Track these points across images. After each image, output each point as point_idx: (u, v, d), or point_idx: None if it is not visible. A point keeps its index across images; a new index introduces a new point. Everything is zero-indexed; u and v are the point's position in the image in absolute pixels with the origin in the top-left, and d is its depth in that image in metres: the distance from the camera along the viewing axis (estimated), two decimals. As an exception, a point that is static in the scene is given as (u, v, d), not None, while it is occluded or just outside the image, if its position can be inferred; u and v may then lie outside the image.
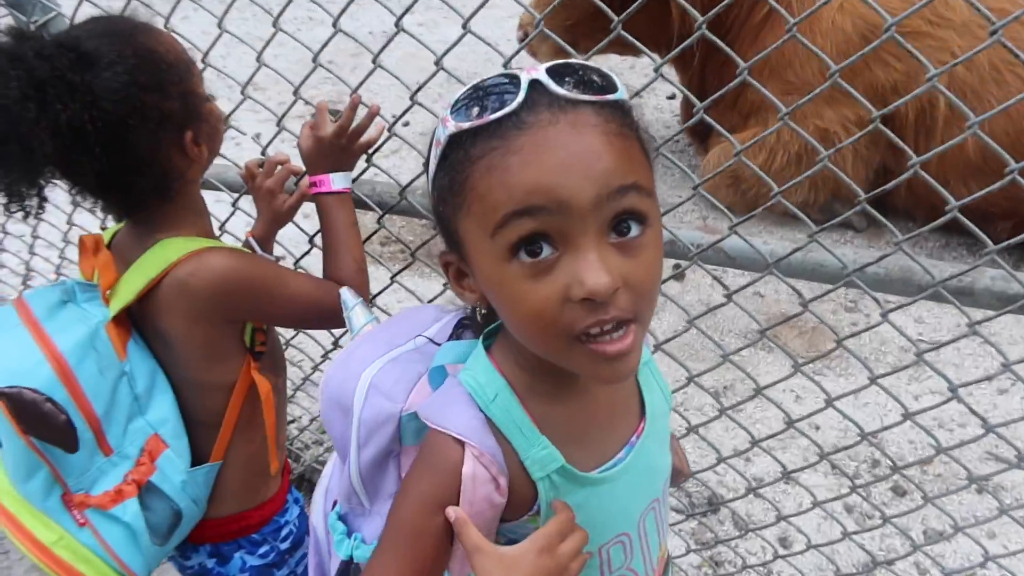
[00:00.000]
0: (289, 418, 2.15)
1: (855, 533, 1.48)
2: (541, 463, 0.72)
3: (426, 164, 0.71)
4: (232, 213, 1.63)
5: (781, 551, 1.68)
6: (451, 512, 0.70)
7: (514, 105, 0.61)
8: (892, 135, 1.22)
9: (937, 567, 1.67)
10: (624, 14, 1.20)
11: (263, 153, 1.45)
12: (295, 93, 1.44)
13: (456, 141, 0.64)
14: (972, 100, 2.43)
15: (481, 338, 0.79)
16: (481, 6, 1.16)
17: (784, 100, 2.67)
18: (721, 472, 2.02)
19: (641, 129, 0.66)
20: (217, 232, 1.60)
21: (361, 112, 1.25)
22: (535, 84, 0.62)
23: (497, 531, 0.76)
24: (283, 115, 1.49)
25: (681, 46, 1.27)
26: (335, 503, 0.94)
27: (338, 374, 0.86)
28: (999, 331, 2.43)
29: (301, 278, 1.17)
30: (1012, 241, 1.12)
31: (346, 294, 1.08)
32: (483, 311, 0.78)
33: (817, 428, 2.12)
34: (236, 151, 1.91)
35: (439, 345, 0.84)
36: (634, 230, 0.62)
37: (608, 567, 0.81)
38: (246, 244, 1.34)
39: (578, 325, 0.61)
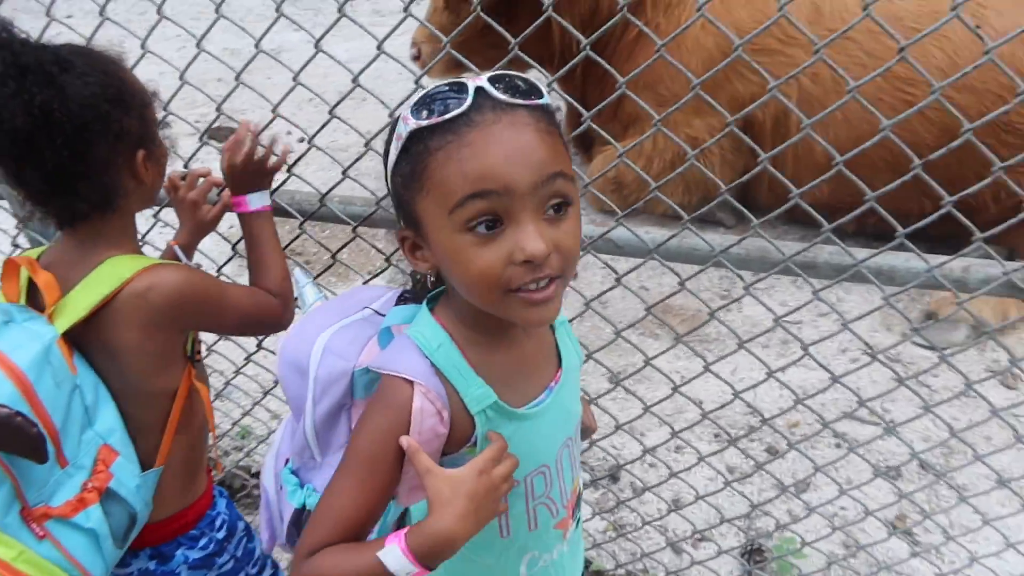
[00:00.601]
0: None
1: (735, 481, 1.71)
2: (478, 400, 0.88)
3: (385, 156, 0.86)
4: (153, 224, 1.71)
5: (675, 508, 1.90)
6: (404, 440, 0.85)
7: (464, 107, 0.77)
8: (749, 139, 1.46)
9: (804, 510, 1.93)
10: (521, 36, 1.39)
11: (186, 166, 1.55)
12: (218, 109, 1.55)
13: (416, 136, 0.79)
14: (818, 109, 2.76)
15: (425, 302, 0.95)
16: (395, 28, 1.32)
17: (657, 111, 2.95)
18: (619, 446, 2.23)
19: (561, 128, 0.84)
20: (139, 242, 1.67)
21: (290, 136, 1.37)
22: (480, 90, 0.78)
23: (439, 463, 0.91)
24: (205, 131, 1.59)
25: (570, 64, 1.47)
26: (287, 460, 1.06)
27: (294, 340, 0.99)
28: (850, 309, 2.77)
29: (239, 289, 1.29)
30: (844, 220, 1.38)
31: (299, 273, 1.20)
32: (432, 279, 0.94)
33: (700, 403, 2.37)
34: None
35: (383, 316, 0.99)
36: (562, 208, 0.80)
37: (531, 494, 0.98)
38: (171, 253, 1.42)
39: (516, 282, 0.78)
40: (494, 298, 0.80)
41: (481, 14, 1.41)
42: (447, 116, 0.77)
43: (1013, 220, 1.37)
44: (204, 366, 1.39)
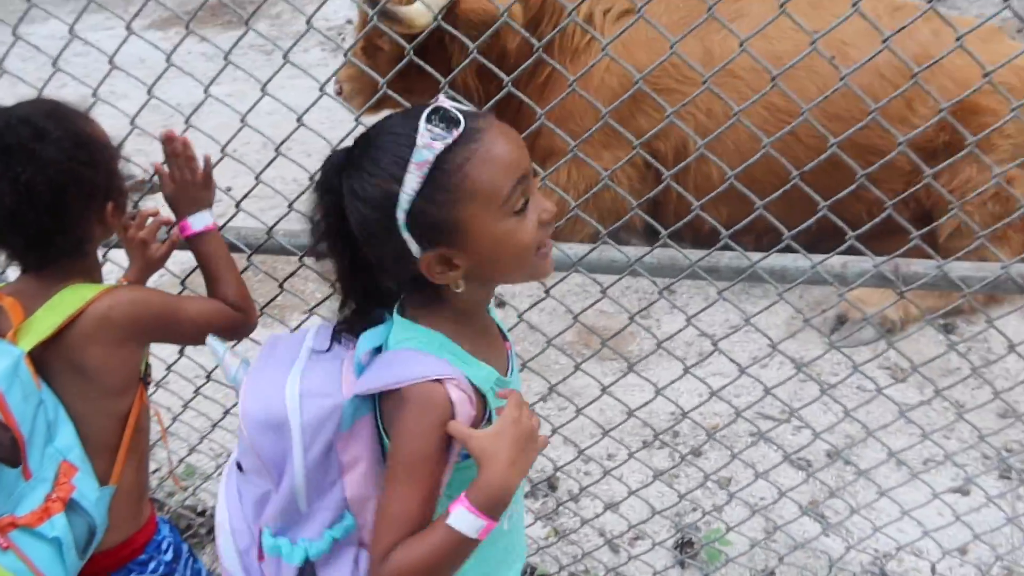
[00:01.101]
0: (155, 466, 2.24)
1: (663, 473, 1.87)
2: (486, 379, 1.04)
3: (394, 195, 0.94)
4: (102, 265, 1.77)
5: (610, 507, 2.04)
6: (452, 427, 0.97)
7: (464, 123, 0.93)
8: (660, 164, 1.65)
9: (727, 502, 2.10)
10: (449, 76, 1.55)
11: (135, 207, 1.63)
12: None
13: (443, 156, 0.92)
14: (714, 142, 3.03)
15: (395, 316, 1.07)
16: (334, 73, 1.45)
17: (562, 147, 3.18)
18: (555, 458, 2.37)
19: None
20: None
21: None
22: (456, 109, 0.94)
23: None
24: (149, 183, 1.68)
25: (493, 100, 1.64)
26: (259, 531, 1.09)
27: (254, 402, 1.04)
28: (758, 320, 3.01)
29: (195, 300, 1.40)
30: (738, 226, 1.58)
31: (212, 342, 1.20)
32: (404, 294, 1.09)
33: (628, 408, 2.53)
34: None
35: (326, 351, 1.09)
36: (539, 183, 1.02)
37: None
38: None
39: (542, 239, 1.01)
40: (531, 259, 1.01)
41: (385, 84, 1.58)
42: (458, 133, 0.93)
43: (876, 220, 1.60)
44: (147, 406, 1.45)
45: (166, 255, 1.53)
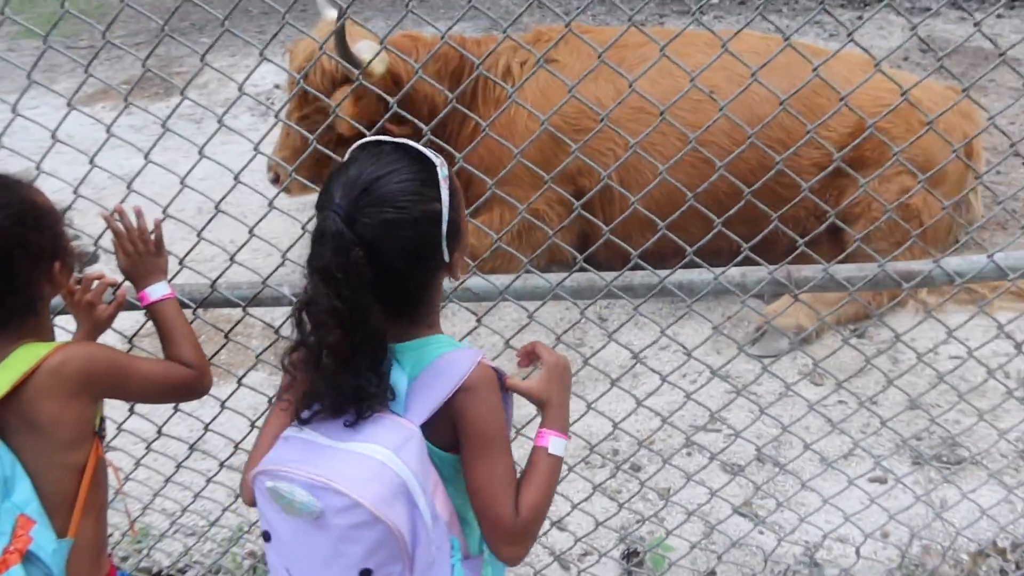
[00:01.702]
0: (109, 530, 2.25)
1: (601, 484, 1.99)
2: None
3: (438, 212, 1.16)
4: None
5: (555, 524, 2.15)
6: (513, 385, 1.26)
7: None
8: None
9: (668, 511, 2.23)
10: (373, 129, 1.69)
11: (80, 271, 1.71)
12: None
13: (450, 175, 1.20)
14: (632, 174, 3.24)
15: (400, 347, 1.21)
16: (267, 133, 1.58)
17: (503, 191, 3.34)
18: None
19: None
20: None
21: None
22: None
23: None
24: (89, 259, 1.77)
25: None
26: None
27: (367, 485, 1.09)
28: (684, 341, 3.19)
29: (148, 360, 1.48)
30: (646, 244, 1.74)
31: (279, 487, 1.15)
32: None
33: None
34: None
35: (352, 425, 1.15)
36: None
37: None
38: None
39: None
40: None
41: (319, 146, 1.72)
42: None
43: (765, 232, 1.78)
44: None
45: (113, 316, 1.60)
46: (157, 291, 1.53)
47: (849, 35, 1.58)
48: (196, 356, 1.51)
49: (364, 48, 3.03)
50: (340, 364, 1.11)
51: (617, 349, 2.78)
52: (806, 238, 1.84)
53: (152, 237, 1.55)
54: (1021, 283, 3.18)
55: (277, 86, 5.75)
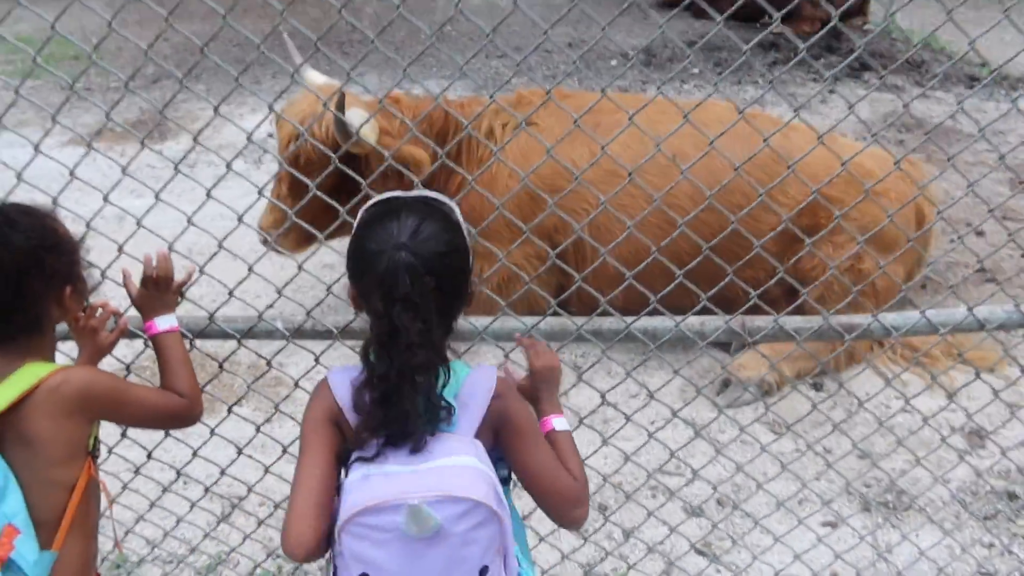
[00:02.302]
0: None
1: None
2: None
3: (464, 243, 1.41)
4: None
5: (525, 556, 2.26)
6: (521, 382, 1.57)
7: None
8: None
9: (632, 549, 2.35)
10: (348, 206, 1.86)
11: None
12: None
13: None
14: (603, 232, 3.43)
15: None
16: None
17: (482, 242, 3.53)
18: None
19: None
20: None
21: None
22: None
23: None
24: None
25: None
26: None
27: (482, 488, 1.27)
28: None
29: (144, 388, 1.59)
30: (619, 290, 1.90)
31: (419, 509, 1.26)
32: None
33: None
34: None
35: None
36: None
37: None
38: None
39: None
40: None
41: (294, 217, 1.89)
42: None
43: (722, 284, 1.95)
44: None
45: (114, 342, 1.71)
46: (164, 323, 1.65)
47: (795, 111, 1.80)
48: (190, 387, 1.61)
49: (355, 117, 3.21)
50: (420, 385, 1.29)
51: (590, 395, 2.93)
52: (759, 290, 2.01)
53: (175, 278, 1.67)
54: (950, 339, 3.38)
55: (270, 135, 5.96)
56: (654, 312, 1.93)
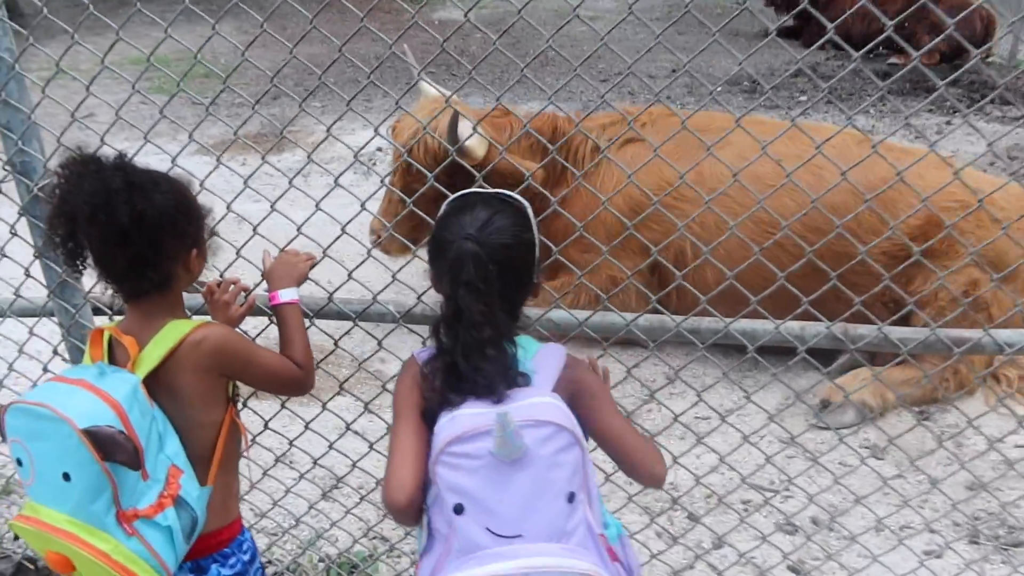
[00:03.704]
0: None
1: (652, 521, 2.12)
2: None
3: (531, 239, 1.54)
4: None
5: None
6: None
7: None
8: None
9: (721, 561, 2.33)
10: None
11: (221, 275, 2.02)
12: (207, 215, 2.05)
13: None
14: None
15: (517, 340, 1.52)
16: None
17: (583, 257, 3.60)
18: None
19: None
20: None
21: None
22: None
23: None
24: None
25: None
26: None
27: (563, 416, 1.39)
28: (748, 408, 3.29)
29: (270, 353, 1.70)
30: (710, 295, 1.92)
31: (501, 420, 1.33)
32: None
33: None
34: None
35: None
36: None
37: None
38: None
39: None
40: None
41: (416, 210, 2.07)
42: None
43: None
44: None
45: (243, 316, 1.87)
46: (287, 295, 1.78)
47: (931, 145, 1.80)
48: (306, 358, 1.73)
49: (466, 130, 3.35)
50: (490, 357, 1.41)
51: (684, 404, 2.93)
52: (862, 297, 1.96)
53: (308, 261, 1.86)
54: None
55: (379, 149, 6.24)
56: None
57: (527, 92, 8.01)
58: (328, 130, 1.96)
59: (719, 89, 8.11)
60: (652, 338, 1.98)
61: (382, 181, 2.19)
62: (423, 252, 1.68)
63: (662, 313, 1.98)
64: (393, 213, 3.78)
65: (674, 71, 8.36)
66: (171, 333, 1.58)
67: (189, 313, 1.75)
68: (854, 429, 3.09)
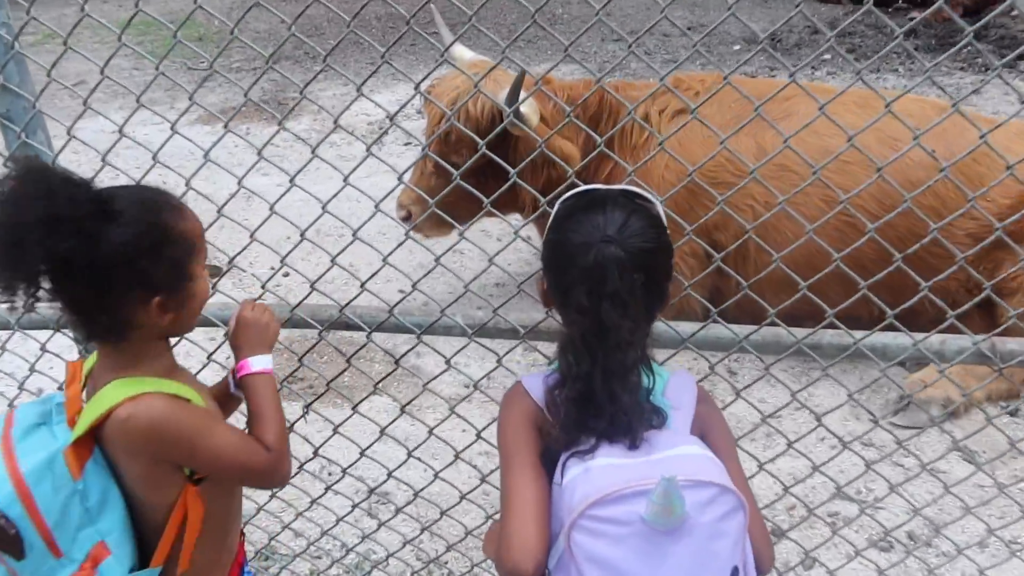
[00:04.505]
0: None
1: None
2: None
3: (669, 240, 1.33)
4: (219, 345, 1.85)
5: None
6: None
7: None
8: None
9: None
10: (492, 196, 1.75)
11: (231, 260, 1.75)
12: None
13: None
14: (771, 232, 3.16)
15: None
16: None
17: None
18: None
19: None
20: (204, 361, 1.86)
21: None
22: None
23: None
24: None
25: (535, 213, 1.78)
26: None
27: (723, 476, 1.16)
28: (820, 403, 3.07)
29: (229, 434, 1.35)
30: (791, 302, 1.68)
31: (668, 487, 1.10)
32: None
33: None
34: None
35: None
36: None
37: None
38: (225, 382, 1.54)
39: None
40: None
41: (461, 183, 1.77)
42: None
43: (913, 300, 1.68)
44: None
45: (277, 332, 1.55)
46: (259, 363, 1.45)
47: (954, 104, 1.53)
48: (278, 440, 1.39)
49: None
50: (631, 385, 1.20)
51: (747, 406, 2.70)
52: (957, 311, 1.71)
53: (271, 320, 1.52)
54: None
55: (389, 117, 5.92)
56: (830, 326, 1.69)
57: (537, 54, 7.63)
58: (359, 89, 1.77)
59: (736, 48, 7.78)
60: (766, 354, 1.74)
61: (424, 149, 1.89)
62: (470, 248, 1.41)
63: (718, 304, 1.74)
64: (426, 186, 3.39)
65: (690, 28, 7.97)
66: (105, 397, 1.27)
67: (173, 362, 1.41)
68: (940, 430, 2.86)
